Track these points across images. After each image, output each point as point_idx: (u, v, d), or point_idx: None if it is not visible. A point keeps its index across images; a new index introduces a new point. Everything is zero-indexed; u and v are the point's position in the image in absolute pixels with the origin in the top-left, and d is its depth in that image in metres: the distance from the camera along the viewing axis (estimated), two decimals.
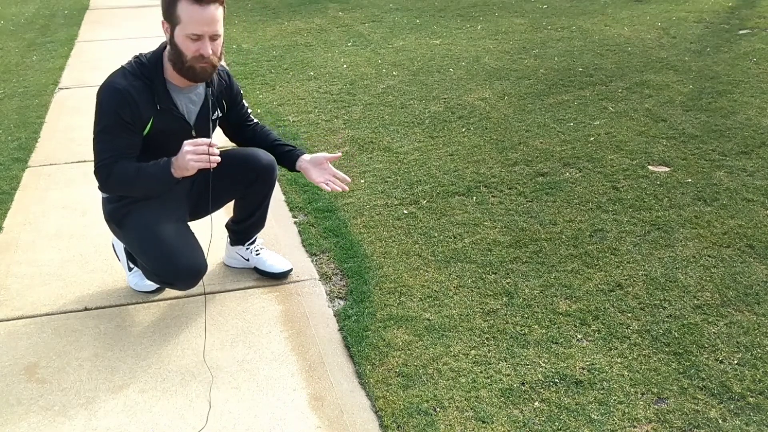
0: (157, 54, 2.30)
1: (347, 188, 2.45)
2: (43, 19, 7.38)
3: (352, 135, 4.06)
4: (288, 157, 2.53)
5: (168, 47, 2.26)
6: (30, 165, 3.78)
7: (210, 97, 2.39)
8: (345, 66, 5.36)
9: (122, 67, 2.30)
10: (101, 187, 2.37)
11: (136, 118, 2.25)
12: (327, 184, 2.41)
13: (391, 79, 4.99)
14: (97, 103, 2.27)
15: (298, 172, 2.51)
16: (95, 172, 2.32)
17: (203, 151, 2.19)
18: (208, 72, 2.25)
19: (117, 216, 2.45)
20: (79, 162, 3.80)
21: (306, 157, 2.50)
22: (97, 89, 2.29)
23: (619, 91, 4.56)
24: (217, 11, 2.19)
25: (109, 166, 2.27)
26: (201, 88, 2.37)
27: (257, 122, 2.63)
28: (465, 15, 6.77)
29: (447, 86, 4.79)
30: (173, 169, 2.24)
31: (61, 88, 5.09)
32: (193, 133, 2.37)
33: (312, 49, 5.85)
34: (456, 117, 4.26)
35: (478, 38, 5.94)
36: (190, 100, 2.36)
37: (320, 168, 2.46)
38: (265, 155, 2.53)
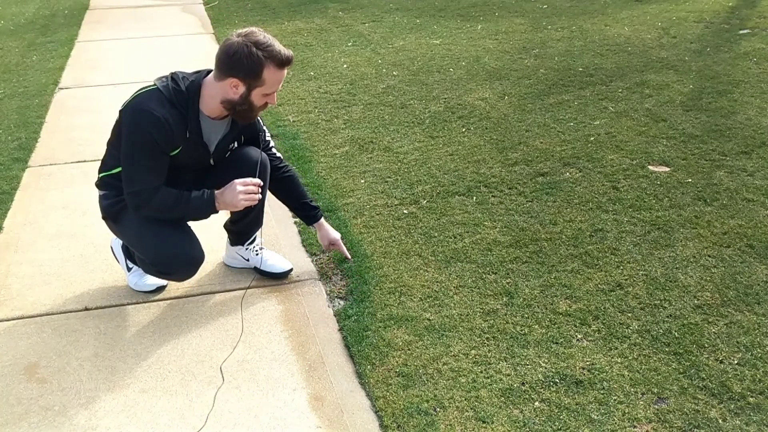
0: (196, 84, 2.28)
1: (349, 257, 2.76)
2: (43, 19, 7.38)
3: (352, 135, 4.06)
4: (311, 216, 2.71)
5: (229, 98, 2.24)
6: (30, 165, 3.78)
7: (234, 128, 2.44)
8: (345, 66, 5.36)
9: (157, 89, 2.26)
10: (134, 210, 2.38)
11: (169, 144, 2.28)
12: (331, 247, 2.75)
13: (391, 79, 4.99)
14: (132, 125, 2.25)
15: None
16: (130, 195, 2.33)
17: (253, 191, 2.35)
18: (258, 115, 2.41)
19: (113, 211, 2.47)
20: (79, 162, 3.80)
21: (325, 223, 2.73)
22: (127, 108, 2.28)
23: (619, 91, 4.55)
24: None
25: (148, 193, 2.32)
26: (228, 119, 2.40)
27: (285, 164, 2.66)
28: (465, 15, 6.77)
29: (447, 86, 4.79)
30: (217, 203, 2.36)
31: (62, 88, 5.09)
32: (212, 161, 2.43)
33: (312, 49, 5.85)
34: (456, 117, 4.26)
35: (478, 38, 5.94)
36: (214, 129, 2.38)
37: (333, 236, 2.72)
38: (256, 154, 2.52)
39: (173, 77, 2.30)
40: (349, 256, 2.75)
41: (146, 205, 2.34)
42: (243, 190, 2.34)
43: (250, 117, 2.35)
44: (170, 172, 2.37)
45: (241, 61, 2.18)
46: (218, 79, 2.24)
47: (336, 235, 2.73)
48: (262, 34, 2.21)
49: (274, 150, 2.64)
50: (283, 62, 2.21)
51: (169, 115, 2.23)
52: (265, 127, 2.62)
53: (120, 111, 2.29)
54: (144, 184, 2.31)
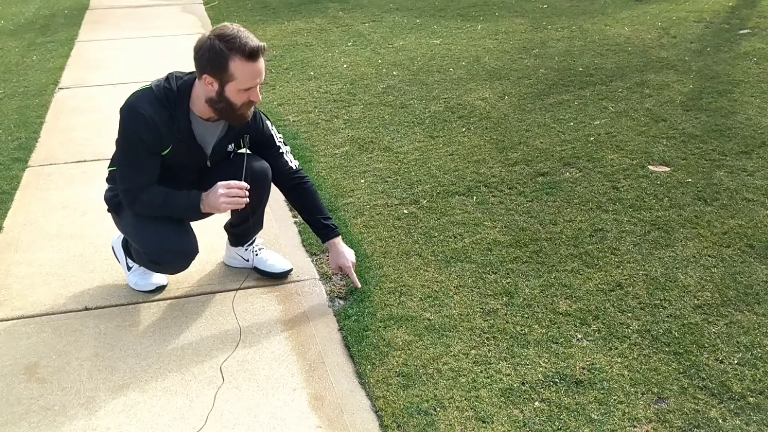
0: (188, 83, 2.27)
1: (358, 285, 2.62)
2: (43, 19, 7.38)
3: (352, 135, 4.06)
4: (323, 233, 2.60)
5: (209, 96, 2.22)
6: (30, 165, 3.78)
7: (231, 130, 2.41)
8: (345, 66, 5.36)
9: (151, 88, 2.27)
10: (127, 207, 2.41)
11: (157, 143, 2.28)
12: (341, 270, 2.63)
13: (391, 79, 4.99)
14: (122, 124, 2.28)
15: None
16: (121, 192, 2.37)
17: (235, 194, 2.29)
18: (249, 115, 2.32)
19: (114, 203, 2.50)
20: (79, 162, 3.80)
21: (339, 241, 2.59)
22: (121, 107, 2.29)
23: (619, 90, 4.55)
24: (263, 59, 2.22)
25: (136, 191, 2.33)
26: (223, 121, 2.37)
27: (298, 174, 2.59)
28: (465, 15, 6.77)
29: (447, 86, 4.79)
30: (203, 205, 2.33)
31: (61, 88, 5.09)
32: (209, 163, 2.42)
33: (312, 49, 5.85)
34: (456, 117, 4.26)
35: (478, 38, 5.94)
36: (209, 131, 2.37)
37: (342, 261, 2.58)
38: (258, 162, 2.51)
39: (168, 77, 2.30)
40: (359, 285, 2.60)
41: (136, 203, 2.35)
42: (225, 192, 2.28)
43: (234, 116, 2.28)
44: (168, 171, 2.37)
45: (205, 56, 2.15)
46: (198, 79, 2.23)
47: (346, 260, 2.57)
48: (230, 27, 2.16)
49: (287, 158, 2.57)
50: (248, 54, 2.14)
51: (156, 115, 2.23)
52: (276, 132, 2.56)
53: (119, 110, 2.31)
54: (134, 182, 2.33)
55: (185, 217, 2.46)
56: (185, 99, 2.28)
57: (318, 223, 2.59)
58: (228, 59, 2.14)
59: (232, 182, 2.31)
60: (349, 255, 2.59)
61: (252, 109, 2.32)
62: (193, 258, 2.49)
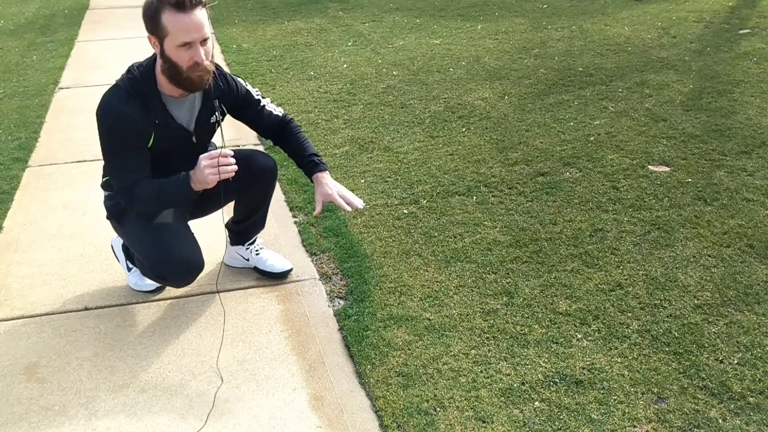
0: (149, 66, 2.25)
1: (359, 207, 2.41)
2: (43, 19, 7.38)
3: (352, 135, 4.06)
4: (308, 169, 2.49)
5: (160, 61, 2.20)
6: (30, 165, 3.78)
7: (208, 100, 2.36)
8: (345, 66, 5.36)
9: (116, 84, 2.26)
10: (126, 206, 2.38)
11: (139, 137, 2.25)
12: (333, 201, 2.41)
13: (391, 79, 4.99)
14: (99, 126, 2.27)
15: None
16: (117, 192, 2.35)
17: (221, 163, 2.21)
18: (204, 80, 2.22)
19: (115, 211, 2.47)
20: (79, 162, 3.80)
21: (326, 175, 2.45)
22: (96, 111, 2.27)
23: (619, 90, 4.55)
24: (201, 14, 2.16)
25: (129, 189, 2.29)
26: (197, 94, 2.34)
27: (287, 119, 2.55)
28: (465, 15, 6.77)
29: (447, 86, 4.79)
30: (193, 183, 2.27)
31: (61, 88, 5.09)
32: (194, 139, 2.38)
33: (312, 49, 5.85)
34: (456, 117, 4.26)
35: (478, 38, 5.94)
36: (186, 107, 2.34)
37: (326, 190, 2.43)
38: (264, 158, 2.52)
39: (129, 69, 2.27)
40: (348, 209, 2.40)
41: (132, 202, 2.31)
42: (208, 164, 2.20)
43: (183, 80, 2.19)
44: (161, 165, 2.33)
45: (145, 15, 2.13)
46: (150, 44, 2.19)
47: (330, 189, 2.41)
48: None
49: (269, 108, 2.52)
50: (175, 3, 2.09)
51: (129, 109, 2.20)
52: (251, 87, 2.50)
53: None
54: (124, 182, 2.29)
55: (183, 201, 2.38)
56: (152, 83, 2.24)
57: (305, 159, 2.49)
58: (159, 12, 2.11)
59: (213, 152, 2.23)
60: (335, 186, 2.44)
61: (206, 76, 2.21)
62: (198, 271, 2.43)
